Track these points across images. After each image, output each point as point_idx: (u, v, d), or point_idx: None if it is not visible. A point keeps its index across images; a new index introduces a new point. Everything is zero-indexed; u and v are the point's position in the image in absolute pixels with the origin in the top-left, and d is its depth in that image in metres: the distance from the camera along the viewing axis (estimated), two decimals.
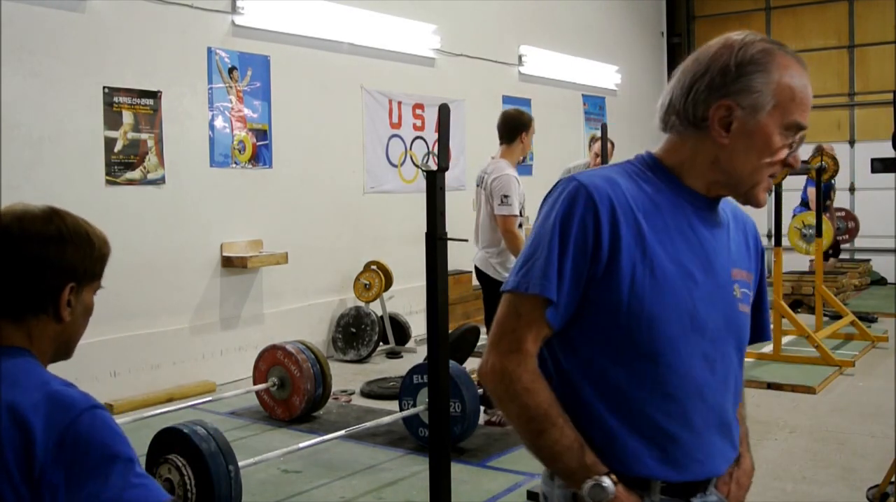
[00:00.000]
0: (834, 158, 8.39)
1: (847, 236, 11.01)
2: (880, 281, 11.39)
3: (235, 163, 6.60)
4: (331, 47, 7.36)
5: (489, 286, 5.05)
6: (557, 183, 1.47)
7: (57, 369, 1.41)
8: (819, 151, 8.00)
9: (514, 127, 5.08)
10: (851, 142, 11.98)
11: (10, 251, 1.41)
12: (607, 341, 1.40)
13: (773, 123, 1.39)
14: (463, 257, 7.24)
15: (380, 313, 7.36)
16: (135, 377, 5.84)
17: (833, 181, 9.23)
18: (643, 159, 1.51)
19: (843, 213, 10.96)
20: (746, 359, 6.87)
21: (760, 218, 12.05)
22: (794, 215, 8.81)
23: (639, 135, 12.05)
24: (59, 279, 1.43)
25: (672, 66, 13.09)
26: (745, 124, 1.39)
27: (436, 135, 3.20)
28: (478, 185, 5.21)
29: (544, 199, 1.46)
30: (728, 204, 1.55)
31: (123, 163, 5.81)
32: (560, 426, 1.39)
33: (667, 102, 1.46)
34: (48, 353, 1.47)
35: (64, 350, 1.50)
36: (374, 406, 5.70)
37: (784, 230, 7.23)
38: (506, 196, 4.87)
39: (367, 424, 4.66)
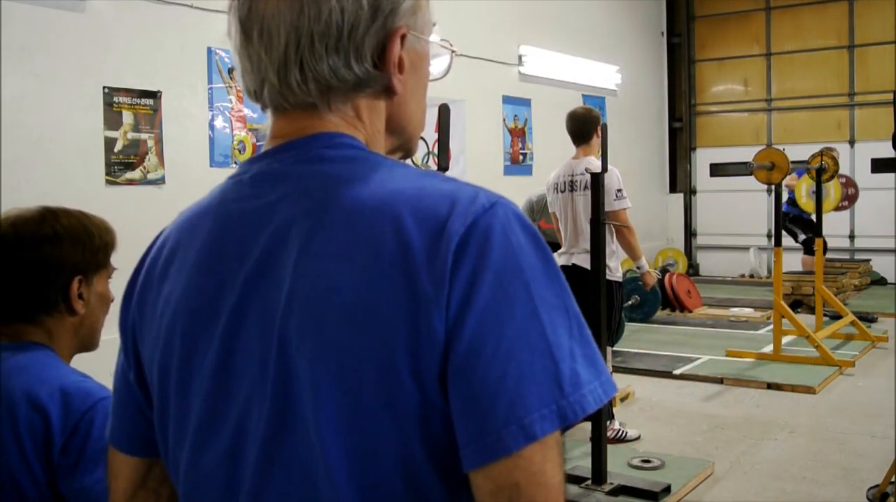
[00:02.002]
0: (835, 159, 8.37)
1: (847, 202, 10.82)
2: (880, 281, 11.38)
3: (235, 163, 6.61)
4: None
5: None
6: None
7: None
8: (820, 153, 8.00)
9: (588, 125, 5.17)
10: (851, 142, 11.97)
11: (9, 257, 1.43)
12: None
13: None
14: None
15: None
16: None
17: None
18: (380, 157, 0.92)
19: (843, 180, 10.85)
20: (747, 360, 7.07)
21: (760, 218, 12.05)
22: (786, 214, 8.76)
23: (639, 135, 12.08)
24: (63, 276, 1.45)
25: (672, 66, 13.09)
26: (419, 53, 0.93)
27: (436, 136, 3.20)
28: (562, 191, 5.18)
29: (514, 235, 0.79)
30: None
31: (123, 163, 5.81)
32: None
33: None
34: (70, 347, 1.51)
35: (88, 341, 1.54)
36: None
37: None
38: (619, 190, 4.95)
39: None
